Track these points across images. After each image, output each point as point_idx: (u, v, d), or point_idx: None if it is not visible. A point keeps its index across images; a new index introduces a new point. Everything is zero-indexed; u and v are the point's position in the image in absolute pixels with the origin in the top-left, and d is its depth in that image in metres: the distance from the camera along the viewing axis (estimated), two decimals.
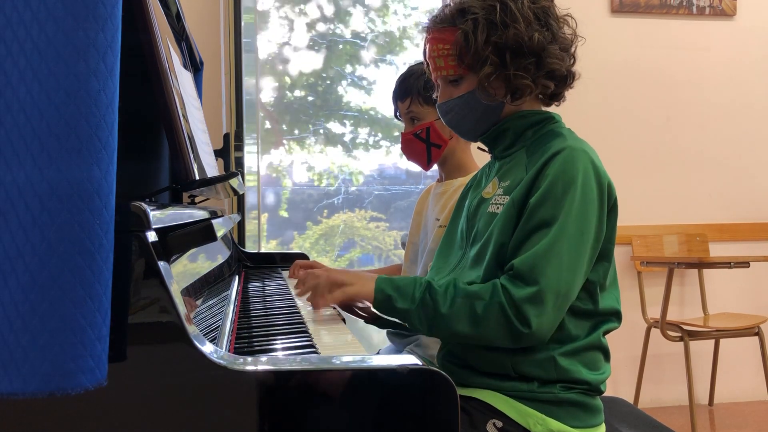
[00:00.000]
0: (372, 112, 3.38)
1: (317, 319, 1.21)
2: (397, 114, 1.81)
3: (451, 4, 1.21)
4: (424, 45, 1.27)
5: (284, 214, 3.33)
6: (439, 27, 1.21)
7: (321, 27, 3.35)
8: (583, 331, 1.13)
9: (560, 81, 1.19)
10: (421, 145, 1.73)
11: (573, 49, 1.20)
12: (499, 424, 1.08)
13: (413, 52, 3.43)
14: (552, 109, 1.28)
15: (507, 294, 1.05)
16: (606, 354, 1.18)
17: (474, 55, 1.16)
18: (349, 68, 3.38)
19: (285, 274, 1.98)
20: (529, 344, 1.08)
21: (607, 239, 1.13)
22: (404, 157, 1.83)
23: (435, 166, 1.85)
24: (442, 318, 1.08)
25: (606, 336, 1.18)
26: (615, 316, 1.17)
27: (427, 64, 1.27)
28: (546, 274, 1.04)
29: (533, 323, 1.04)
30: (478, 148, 1.77)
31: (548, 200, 1.07)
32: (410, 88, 1.72)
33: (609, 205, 1.13)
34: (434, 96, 1.33)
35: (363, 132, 3.39)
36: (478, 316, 1.06)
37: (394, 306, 1.11)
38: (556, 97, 1.24)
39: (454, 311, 1.07)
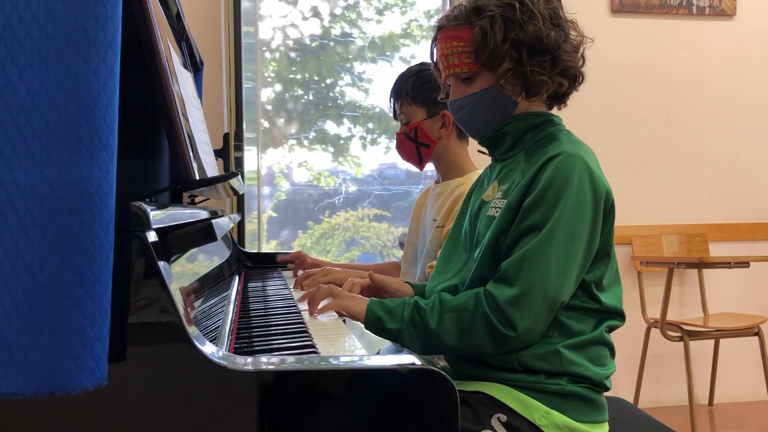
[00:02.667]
0: (372, 112, 3.38)
1: (317, 319, 1.21)
2: (395, 115, 1.84)
3: (465, 3, 1.21)
4: (433, 44, 1.27)
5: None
6: (453, 25, 1.21)
7: (320, 26, 3.35)
8: (587, 327, 1.14)
9: (572, 80, 1.21)
10: (411, 144, 1.77)
11: (582, 51, 1.22)
12: (504, 418, 1.09)
13: (412, 50, 3.43)
14: (553, 110, 1.28)
15: (491, 299, 1.07)
16: (611, 350, 1.19)
17: (492, 52, 1.16)
18: (348, 67, 3.38)
19: (285, 274, 1.98)
20: (514, 347, 1.10)
21: (605, 242, 1.14)
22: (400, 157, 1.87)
23: (433, 167, 1.86)
24: (431, 334, 1.10)
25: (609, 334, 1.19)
26: (618, 314, 1.18)
27: (436, 64, 1.27)
28: (531, 277, 1.06)
29: (519, 326, 1.05)
30: (478, 150, 1.78)
31: (540, 205, 1.09)
32: (400, 90, 1.77)
33: (606, 209, 1.13)
34: (440, 98, 1.34)
35: (363, 132, 3.39)
36: (465, 327, 1.08)
37: (385, 327, 1.13)
38: (565, 96, 1.25)
39: (442, 326, 1.09)
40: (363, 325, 1.16)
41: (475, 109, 1.23)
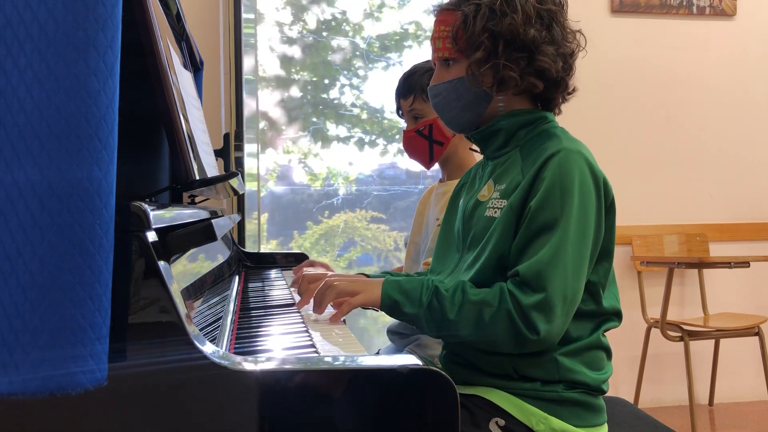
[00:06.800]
0: (371, 112, 3.38)
1: (317, 319, 1.21)
2: (400, 112, 1.81)
3: None
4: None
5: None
6: (446, 9, 1.21)
7: (319, 26, 3.35)
8: (584, 331, 1.13)
9: (551, 84, 1.18)
10: (423, 142, 1.73)
11: (572, 59, 1.19)
12: (502, 422, 1.08)
13: (410, 49, 3.43)
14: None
15: (515, 300, 1.05)
16: (608, 353, 1.18)
17: (469, 39, 1.16)
18: (347, 67, 3.38)
19: (285, 274, 1.98)
20: (534, 350, 1.08)
21: (607, 239, 1.13)
22: (406, 155, 1.83)
23: (436, 166, 1.85)
24: (449, 323, 1.07)
25: (606, 335, 1.18)
26: (616, 315, 1.17)
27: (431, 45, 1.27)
28: (553, 281, 1.04)
29: (542, 330, 1.03)
30: (470, 149, 1.77)
31: (548, 203, 1.07)
32: (413, 86, 1.73)
33: (606, 204, 1.12)
34: None
35: (363, 133, 3.39)
36: (485, 323, 1.06)
37: (402, 310, 1.11)
38: (548, 101, 1.23)
39: (461, 317, 1.07)
40: (379, 310, 1.14)
41: (450, 96, 1.22)
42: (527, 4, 1.14)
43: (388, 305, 1.12)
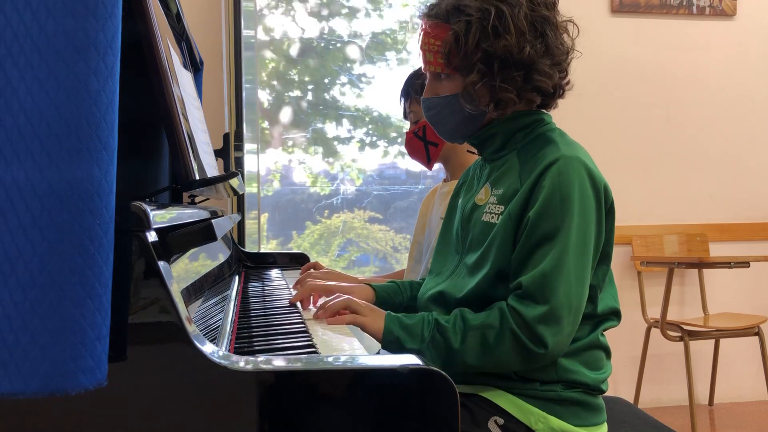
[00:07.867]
0: (371, 112, 3.38)
1: (318, 317, 1.21)
2: (405, 114, 1.85)
3: None
4: (419, 33, 1.24)
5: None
6: (433, 21, 1.18)
7: (319, 26, 3.35)
8: (583, 332, 1.13)
9: (547, 96, 1.18)
10: (419, 143, 1.76)
11: (567, 62, 1.18)
12: (501, 421, 1.08)
13: (410, 47, 3.43)
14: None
15: (518, 316, 1.04)
16: (607, 352, 1.17)
17: (463, 59, 1.14)
18: (346, 67, 3.38)
19: (285, 274, 1.98)
20: (543, 363, 1.07)
21: (606, 242, 1.13)
22: (407, 155, 1.87)
23: (438, 166, 1.87)
24: (455, 354, 1.06)
25: (605, 335, 1.18)
26: (614, 314, 1.17)
27: (419, 53, 1.25)
28: (557, 291, 1.03)
29: (549, 342, 1.03)
30: (468, 150, 1.78)
31: (548, 213, 1.06)
32: (409, 89, 1.78)
33: (606, 208, 1.12)
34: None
35: (362, 132, 3.39)
36: (490, 346, 1.05)
37: (404, 346, 1.09)
38: (544, 106, 1.22)
39: (466, 345, 1.06)
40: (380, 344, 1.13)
41: (444, 112, 1.21)
42: (519, 16, 1.11)
43: (390, 341, 1.10)
